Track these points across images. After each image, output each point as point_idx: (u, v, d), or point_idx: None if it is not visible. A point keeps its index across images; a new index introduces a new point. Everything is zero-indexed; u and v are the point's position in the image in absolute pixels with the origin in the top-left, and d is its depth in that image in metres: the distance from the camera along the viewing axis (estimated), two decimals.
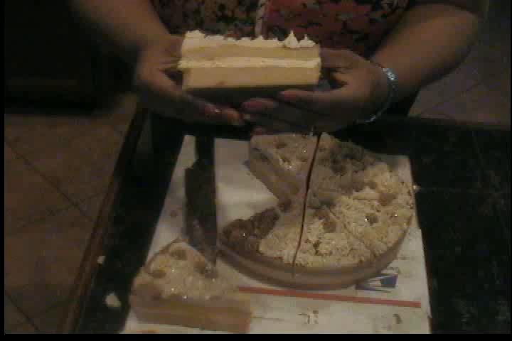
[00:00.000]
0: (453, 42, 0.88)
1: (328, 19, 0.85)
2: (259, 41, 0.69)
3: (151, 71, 0.69)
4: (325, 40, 0.88)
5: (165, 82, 0.68)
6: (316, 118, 0.69)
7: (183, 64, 0.66)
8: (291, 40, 0.68)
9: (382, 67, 0.77)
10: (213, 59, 0.67)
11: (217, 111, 0.66)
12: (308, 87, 0.66)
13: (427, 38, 0.86)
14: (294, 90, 0.65)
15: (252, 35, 0.88)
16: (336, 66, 0.70)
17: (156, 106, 0.72)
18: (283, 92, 0.65)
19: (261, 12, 0.85)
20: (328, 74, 0.70)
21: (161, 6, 0.90)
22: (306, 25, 0.86)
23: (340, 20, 0.85)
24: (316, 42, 0.70)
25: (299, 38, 0.69)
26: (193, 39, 0.68)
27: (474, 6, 0.90)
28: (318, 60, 0.68)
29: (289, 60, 0.67)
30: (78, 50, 2.09)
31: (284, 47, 0.68)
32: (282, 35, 0.87)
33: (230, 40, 0.68)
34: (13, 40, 2.06)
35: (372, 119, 0.80)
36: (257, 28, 0.87)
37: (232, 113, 0.66)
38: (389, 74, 0.77)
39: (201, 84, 0.66)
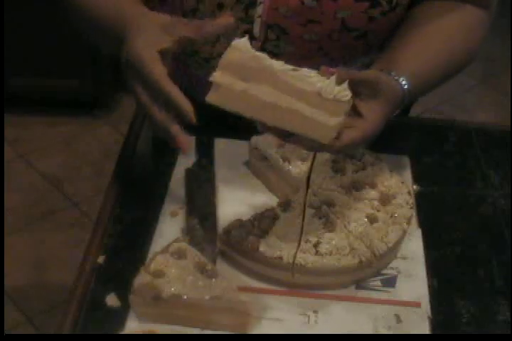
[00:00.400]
0: (465, 40, 0.88)
1: (326, 17, 0.85)
2: (300, 75, 0.66)
3: (151, 54, 0.69)
4: (324, 38, 0.88)
5: (161, 75, 0.68)
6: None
7: (216, 77, 0.66)
8: (328, 87, 0.66)
9: (396, 76, 0.77)
10: (247, 81, 0.66)
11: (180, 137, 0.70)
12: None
13: (440, 38, 0.86)
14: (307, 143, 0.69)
15: (250, 33, 0.87)
16: (359, 92, 0.71)
17: (137, 87, 0.71)
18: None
19: (259, 10, 0.85)
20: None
21: (159, 4, 0.90)
22: (305, 23, 0.86)
23: (338, 18, 0.85)
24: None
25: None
26: (238, 53, 0.66)
27: (483, 1, 0.89)
28: (342, 118, 0.67)
29: (314, 110, 0.66)
30: (78, 50, 2.09)
31: (319, 94, 0.66)
32: (281, 33, 0.87)
33: (274, 65, 0.66)
34: (13, 40, 2.07)
35: None
36: (256, 27, 0.87)
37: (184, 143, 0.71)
38: (403, 83, 0.77)
39: (223, 104, 0.67)
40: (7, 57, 2.10)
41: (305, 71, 0.67)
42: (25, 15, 2.01)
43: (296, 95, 0.66)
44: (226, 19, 0.70)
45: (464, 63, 0.89)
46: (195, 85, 1.02)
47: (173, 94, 0.68)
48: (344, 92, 0.66)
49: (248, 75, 0.66)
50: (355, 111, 0.71)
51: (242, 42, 0.67)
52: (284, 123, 0.67)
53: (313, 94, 0.66)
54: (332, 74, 0.66)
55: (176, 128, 0.70)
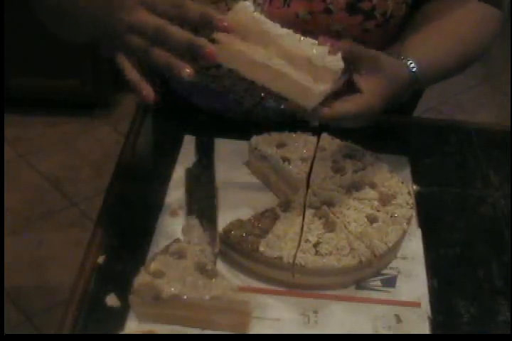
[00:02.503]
0: (476, 30, 0.88)
1: (320, 29, 0.85)
2: (295, 40, 0.69)
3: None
4: None
5: None
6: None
7: (217, 35, 0.69)
8: (319, 54, 0.68)
9: (404, 58, 0.77)
10: (244, 41, 0.69)
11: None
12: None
13: (450, 27, 0.86)
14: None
15: None
16: (359, 68, 0.71)
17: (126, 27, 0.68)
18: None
19: None
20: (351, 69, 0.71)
21: None
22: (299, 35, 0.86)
23: (333, 31, 0.85)
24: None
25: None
26: (239, 14, 0.68)
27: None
28: (329, 86, 0.68)
29: (302, 75, 0.68)
30: (78, 50, 2.09)
31: (309, 60, 0.68)
32: None
33: (273, 28, 0.69)
34: (13, 40, 2.07)
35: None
36: None
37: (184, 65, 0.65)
38: (411, 65, 0.77)
39: (221, 60, 0.68)
40: (7, 57, 2.10)
41: (303, 37, 0.69)
42: (25, 15, 2.00)
43: (287, 59, 0.68)
44: (218, 17, 0.68)
45: (477, 53, 0.90)
46: (194, 92, 1.02)
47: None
48: (335, 62, 0.68)
49: (246, 36, 0.69)
50: (353, 87, 0.71)
51: (244, 5, 0.68)
52: (273, 84, 0.69)
53: (304, 60, 0.68)
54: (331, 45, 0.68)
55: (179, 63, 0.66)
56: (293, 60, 0.68)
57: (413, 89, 0.80)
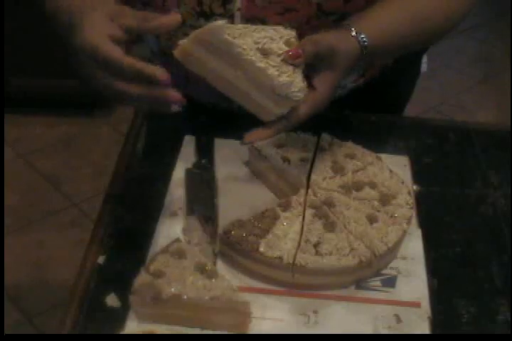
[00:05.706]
0: (440, 6, 0.87)
1: (301, 3, 0.85)
2: (263, 68, 0.70)
3: (99, 36, 0.68)
4: (303, 25, 0.87)
5: (116, 49, 0.67)
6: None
7: (185, 44, 0.70)
8: (283, 85, 0.71)
9: (355, 32, 0.78)
10: (212, 55, 0.70)
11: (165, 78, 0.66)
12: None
13: (410, 2, 0.86)
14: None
15: None
16: (315, 64, 0.74)
17: (92, 71, 0.70)
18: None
19: (238, 4, 0.85)
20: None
21: (142, 6, 0.90)
22: (282, 12, 0.86)
23: (314, 3, 0.85)
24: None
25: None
26: (212, 34, 0.69)
27: None
28: (286, 110, 0.74)
29: (264, 98, 0.73)
30: None
31: (273, 89, 0.71)
32: (260, 24, 0.87)
33: (242, 52, 0.69)
34: (13, 40, 2.07)
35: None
36: (236, 21, 0.87)
37: (174, 94, 0.67)
38: (363, 39, 0.78)
39: (187, 65, 0.72)
40: (7, 57, 2.10)
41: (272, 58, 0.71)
42: (25, 16, 2.01)
43: (253, 82, 0.71)
44: (173, 17, 0.69)
45: (442, 28, 0.89)
46: (191, 83, 1.02)
47: (137, 64, 0.66)
48: (297, 93, 0.72)
49: (215, 52, 0.70)
50: (308, 83, 0.74)
51: (218, 27, 0.69)
52: (237, 98, 0.74)
53: (268, 87, 0.71)
54: (296, 58, 0.71)
55: (160, 88, 0.67)
56: (258, 84, 0.71)
57: (365, 61, 0.81)
